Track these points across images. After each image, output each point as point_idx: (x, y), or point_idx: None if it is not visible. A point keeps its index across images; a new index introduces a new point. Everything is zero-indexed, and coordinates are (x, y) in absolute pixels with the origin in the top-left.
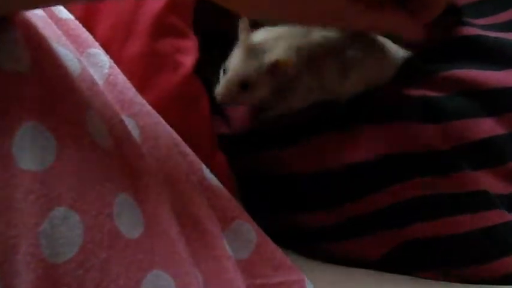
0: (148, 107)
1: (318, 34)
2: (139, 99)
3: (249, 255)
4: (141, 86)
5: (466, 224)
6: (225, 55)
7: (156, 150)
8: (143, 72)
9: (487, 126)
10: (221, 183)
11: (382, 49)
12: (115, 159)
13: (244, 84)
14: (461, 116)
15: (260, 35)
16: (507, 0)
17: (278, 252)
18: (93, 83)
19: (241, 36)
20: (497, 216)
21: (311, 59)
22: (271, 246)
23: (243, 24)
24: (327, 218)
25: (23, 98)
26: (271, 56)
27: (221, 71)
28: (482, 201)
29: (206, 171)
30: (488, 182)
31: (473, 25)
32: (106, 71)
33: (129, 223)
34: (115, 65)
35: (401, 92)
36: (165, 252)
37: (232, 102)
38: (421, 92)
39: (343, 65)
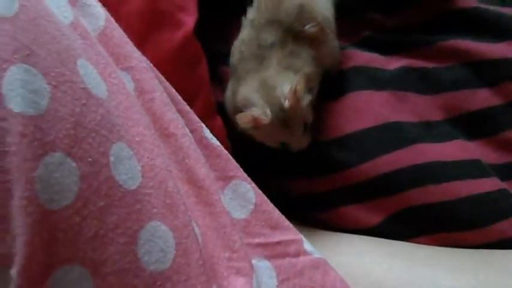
0: (146, 63)
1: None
2: (137, 54)
3: (248, 215)
4: (141, 43)
5: (461, 191)
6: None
7: (152, 103)
8: (143, 29)
9: (483, 97)
10: None
11: None
12: (109, 109)
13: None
14: (458, 87)
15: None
16: None
17: (276, 213)
18: (86, 31)
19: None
20: (490, 184)
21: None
22: (269, 206)
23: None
24: (326, 185)
25: (8, 41)
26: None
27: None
28: (476, 169)
29: (206, 131)
30: (482, 151)
31: None
32: (102, 23)
33: (125, 173)
34: (112, 19)
35: (400, 62)
36: (163, 205)
37: None
38: (419, 62)
39: None
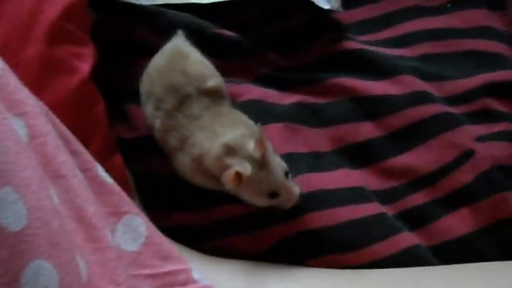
0: (41, 108)
1: None
2: (32, 101)
3: (139, 248)
4: (37, 89)
5: (342, 216)
6: (131, 63)
7: (44, 147)
8: (39, 76)
9: (366, 130)
10: (117, 182)
11: None
12: None
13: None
14: (344, 121)
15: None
16: (385, 21)
17: (166, 244)
18: None
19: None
20: (369, 209)
21: None
22: (160, 238)
23: None
24: (211, 217)
25: None
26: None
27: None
28: (358, 195)
29: (100, 169)
30: (366, 179)
31: (356, 40)
32: None
33: (10, 216)
34: (7, 68)
35: (293, 98)
36: (48, 244)
37: None
38: (310, 98)
39: None
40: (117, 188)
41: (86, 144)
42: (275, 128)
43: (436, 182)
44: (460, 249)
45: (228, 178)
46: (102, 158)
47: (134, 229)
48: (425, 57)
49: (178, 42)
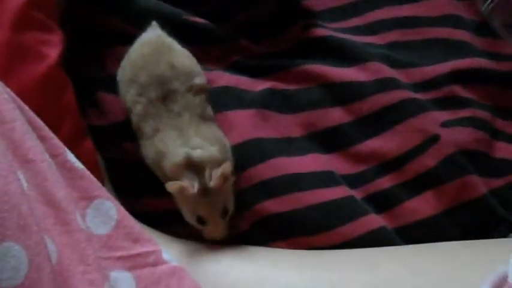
0: (8, 94)
1: None
2: None
3: (110, 231)
4: (5, 75)
5: (311, 199)
6: (103, 50)
7: (12, 132)
8: (7, 62)
9: (336, 115)
10: (88, 167)
11: None
12: None
13: None
14: (315, 107)
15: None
16: (355, 9)
17: (137, 227)
18: None
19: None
20: (338, 192)
21: None
22: (130, 221)
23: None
24: None
25: None
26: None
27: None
28: (327, 179)
29: (69, 155)
30: (336, 163)
31: (326, 27)
32: None
33: None
34: None
35: (265, 85)
36: (17, 226)
37: None
38: (281, 85)
39: None
40: (87, 173)
41: (56, 129)
42: (247, 114)
43: (402, 166)
44: (424, 230)
45: (170, 187)
46: (73, 143)
47: (105, 213)
48: (394, 45)
49: (157, 32)
